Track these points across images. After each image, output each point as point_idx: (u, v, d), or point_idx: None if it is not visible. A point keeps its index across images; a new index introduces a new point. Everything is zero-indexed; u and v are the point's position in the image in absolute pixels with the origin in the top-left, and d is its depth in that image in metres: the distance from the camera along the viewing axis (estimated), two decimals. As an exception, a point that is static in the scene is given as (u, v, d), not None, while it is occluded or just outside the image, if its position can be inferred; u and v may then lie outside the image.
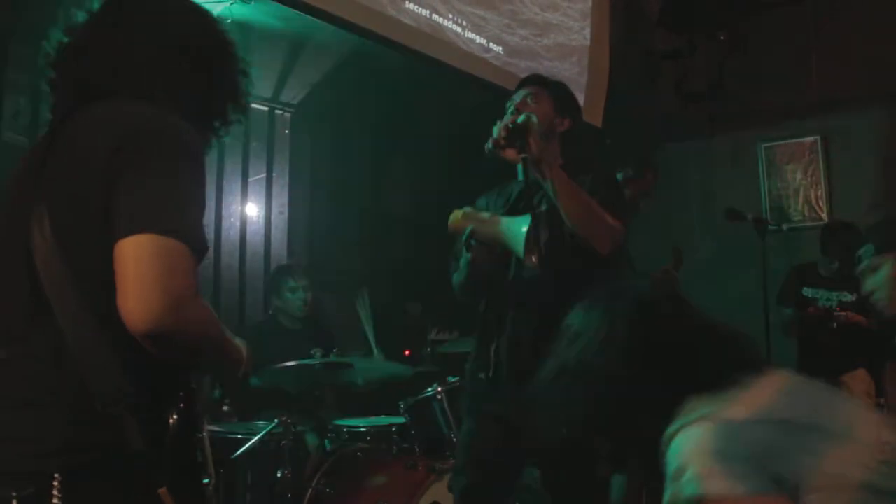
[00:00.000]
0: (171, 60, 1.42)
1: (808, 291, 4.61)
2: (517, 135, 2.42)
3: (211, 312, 1.33)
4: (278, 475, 3.29)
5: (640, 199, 3.79)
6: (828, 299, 4.53)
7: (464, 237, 2.50)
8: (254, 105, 5.00)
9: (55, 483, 1.21)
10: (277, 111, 5.17)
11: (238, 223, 4.95)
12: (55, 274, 1.26)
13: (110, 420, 1.25)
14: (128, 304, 1.19)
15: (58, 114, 1.43)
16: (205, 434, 1.51)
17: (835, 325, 4.44)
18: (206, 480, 1.45)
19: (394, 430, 3.76)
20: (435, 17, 3.65)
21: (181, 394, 1.38)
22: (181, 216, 1.26)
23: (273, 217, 5.14)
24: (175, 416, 1.34)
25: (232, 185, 4.92)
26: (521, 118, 2.43)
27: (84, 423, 1.25)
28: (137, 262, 1.20)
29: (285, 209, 5.22)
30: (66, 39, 1.42)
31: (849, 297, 4.52)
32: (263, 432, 3.31)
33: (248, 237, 4.99)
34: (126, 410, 1.26)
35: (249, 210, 5.01)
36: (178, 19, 1.47)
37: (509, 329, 2.54)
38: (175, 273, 1.21)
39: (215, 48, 1.51)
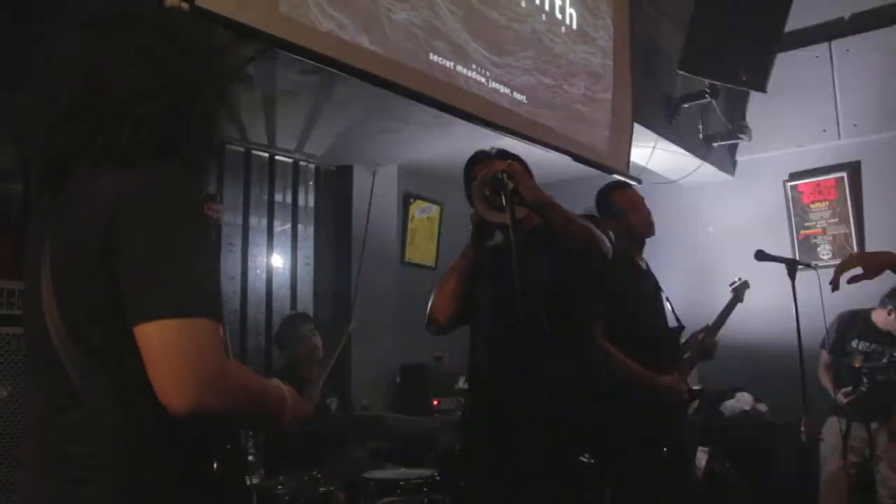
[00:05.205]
0: (170, 117, 1.36)
1: (858, 344, 4.52)
2: (499, 187, 2.40)
3: (245, 374, 1.33)
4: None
5: (637, 216, 3.64)
6: (880, 354, 4.43)
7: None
8: (278, 157, 5.07)
9: None
10: (301, 163, 5.22)
11: (264, 275, 4.97)
12: (71, 361, 1.26)
13: (153, 486, 1.27)
14: (163, 390, 1.20)
15: (49, 173, 1.39)
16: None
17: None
18: None
19: (424, 482, 3.71)
20: (459, 68, 3.68)
21: (225, 443, 1.39)
22: (199, 291, 1.25)
23: (299, 268, 5.16)
24: (217, 465, 1.36)
25: (257, 237, 4.96)
26: (500, 172, 2.43)
27: (128, 493, 1.26)
28: (165, 347, 1.20)
29: (311, 260, 5.24)
30: (54, 95, 1.37)
31: None
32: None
33: (274, 288, 5.01)
34: (166, 476, 1.28)
35: (275, 261, 5.03)
36: (185, 69, 1.39)
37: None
38: (205, 352, 1.21)
39: (216, 95, 1.45)
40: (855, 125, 5.86)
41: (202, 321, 1.23)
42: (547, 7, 4.33)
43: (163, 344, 1.20)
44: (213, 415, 1.22)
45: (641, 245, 3.66)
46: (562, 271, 2.66)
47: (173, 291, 1.23)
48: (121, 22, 1.42)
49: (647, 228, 3.62)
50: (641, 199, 3.67)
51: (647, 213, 3.64)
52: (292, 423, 1.44)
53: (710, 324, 3.92)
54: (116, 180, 1.29)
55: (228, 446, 1.41)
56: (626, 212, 3.58)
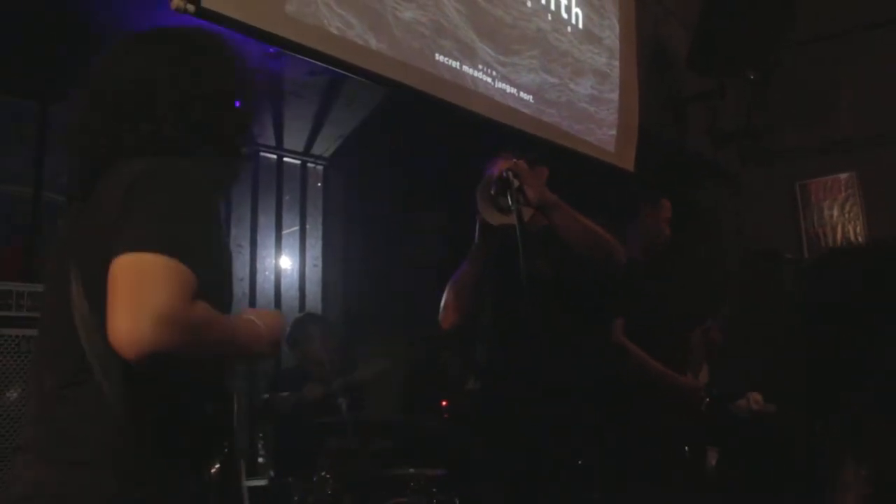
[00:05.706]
0: (194, 120, 1.43)
1: None
2: (505, 186, 2.38)
3: (211, 313, 1.24)
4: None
5: (663, 227, 3.71)
6: None
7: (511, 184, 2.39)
8: (286, 158, 5.07)
9: None
10: (310, 164, 5.22)
11: (272, 276, 4.97)
12: (90, 335, 1.27)
13: (153, 476, 1.27)
14: (113, 329, 1.15)
15: (83, 176, 1.44)
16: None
17: None
18: None
19: (433, 481, 3.71)
20: (465, 67, 3.68)
21: (224, 443, 1.39)
22: (166, 232, 1.21)
23: (307, 269, 5.16)
24: (218, 466, 1.36)
25: (266, 239, 4.96)
26: (505, 171, 2.40)
27: (127, 479, 1.26)
28: (116, 283, 1.16)
29: (319, 261, 5.24)
30: (89, 102, 1.45)
31: None
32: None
33: (283, 290, 5.01)
34: (167, 465, 1.29)
35: (283, 263, 5.04)
36: (202, 75, 1.47)
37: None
38: (154, 288, 1.15)
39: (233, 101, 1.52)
40: (865, 121, 5.84)
41: (157, 256, 1.17)
42: (553, 6, 4.33)
43: (114, 279, 1.16)
44: (172, 354, 1.14)
45: (647, 251, 3.69)
46: (569, 271, 2.65)
47: (136, 231, 1.21)
48: (160, 36, 1.52)
49: (664, 243, 3.71)
50: (671, 216, 3.72)
51: (669, 232, 3.72)
52: (271, 347, 1.41)
53: (709, 324, 3.92)
54: (136, 168, 1.32)
55: (226, 450, 1.41)
56: (656, 220, 3.68)
